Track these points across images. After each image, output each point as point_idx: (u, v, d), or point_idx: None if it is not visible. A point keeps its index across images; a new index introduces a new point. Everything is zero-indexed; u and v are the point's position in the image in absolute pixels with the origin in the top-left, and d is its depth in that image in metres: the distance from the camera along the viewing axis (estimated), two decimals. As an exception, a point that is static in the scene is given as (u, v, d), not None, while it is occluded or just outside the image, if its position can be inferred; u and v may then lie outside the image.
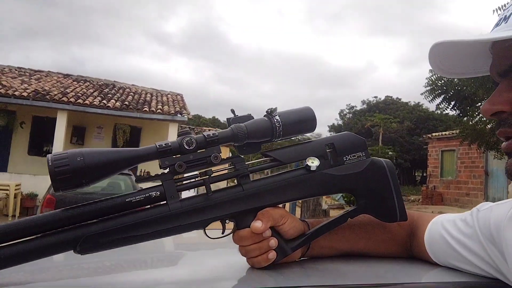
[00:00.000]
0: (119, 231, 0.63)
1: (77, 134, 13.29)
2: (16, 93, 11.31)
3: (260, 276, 0.66)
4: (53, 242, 0.61)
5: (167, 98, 14.87)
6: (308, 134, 0.82)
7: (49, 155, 0.61)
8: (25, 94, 11.39)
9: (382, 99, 40.62)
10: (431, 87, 7.95)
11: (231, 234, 0.70)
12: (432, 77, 7.73)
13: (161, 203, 0.67)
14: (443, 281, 0.67)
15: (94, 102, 11.99)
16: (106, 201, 0.64)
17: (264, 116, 0.73)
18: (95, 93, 13.12)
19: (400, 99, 38.24)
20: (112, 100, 12.50)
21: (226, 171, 0.72)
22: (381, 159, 0.80)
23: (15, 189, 10.00)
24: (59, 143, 11.54)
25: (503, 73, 0.59)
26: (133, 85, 16.25)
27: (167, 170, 0.67)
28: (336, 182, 0.75)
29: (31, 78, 13.62)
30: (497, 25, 0.58)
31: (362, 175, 0.76)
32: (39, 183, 10.46)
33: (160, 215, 0.65)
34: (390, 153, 22.91)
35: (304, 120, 0.74)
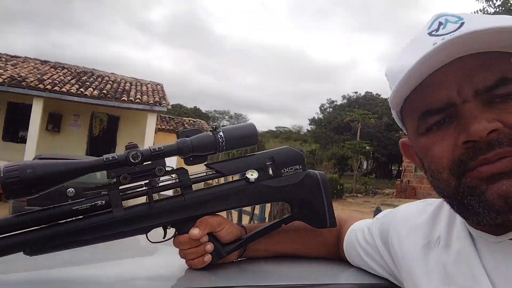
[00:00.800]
0: (65, 236, 0.70)
1: (53, 121, 13.08)
2: (-10, 78, 11.05)
3: (196, 276, 0.74)
4: (5, 244, 0.67)
5: (147, 88, 14.73)
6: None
7: (1, 167, 0.67)
8: (0, 80, 11.13)
9: (362, 94, 41.24)
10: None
11: (173, 239, 0.77)
12: None
13: (107, 210, 0.73)
14: (349, 283, 0.76)
15: (71, 90, 11.81)
16: (54, 209, 0.70)
17: (209, 131, 0.80)
18: (73, 81, 12.91)
19: (379, 95, 38.86)
20: (90, 88, 12.33)
21: (172, 181, 0.79)
22: (316, 171, 0.88)
23: (-12, 176, 9.80)
24: (34, 129, 11.37)
25: (485, 89, 0.53)
26: (112, 73, 16.03)
27: (114, 180, 0.73)
28: (273, 192, 0.82)
29: (7, 64, 13.28)
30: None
31: (298, 186, 0.84)
32: (13, 170, 10.30)
33: (105, 222, 0.72)
34: (367, 147, 23.31)
35: (246, 135, 0.81)
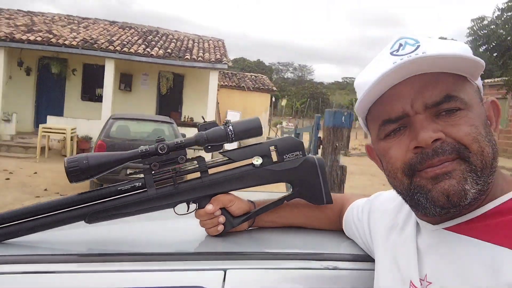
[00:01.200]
0: (113, 209, 0.93)
1: (124, 81, 13.94)
2: (66, 42, 11.93)
3: (212, 241, 0.95)
4: (72, 215, 0.92)
5: (209, 45, 15.03)
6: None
7: (65, 158, 0.90)
8: (74, 43, 11.99)
9: (435, 41, 38.41)
10: (473, 37, 7.52)
11: (193, 213, 0.98)
12: (474, 27, 7.29)
13: (143, 190, 0.95)
14: (340, 253, 0.91)
15: (139, 50, 12.41)
16: (105, 189, 0.93)
17: (222, 125, 0.98)
18: (140, 41, 13.52)
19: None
20: (156, 48, 12.87)
21: (192, 167, 0.98)
22: (314, 156, 1.03)
23: (71, 133, 10.88)
24: (108, 89, 12.23)
25: (432, 104, 0.61)
26: (176, 31, 16.49)
27: (148, 167, 0.94)
28: (276, 175, 0.99)
29: (80, 26, 14.20)
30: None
31: (298, 170, 1.00)
32: (92, 127, 11.31)
33: (141, 199, 0.94)
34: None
35: (251, 128, 0.98)
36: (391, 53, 0.66)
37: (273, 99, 29.09)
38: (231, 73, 18.88)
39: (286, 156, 1.00)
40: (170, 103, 14.46)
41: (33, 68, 13.28)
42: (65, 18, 15.33)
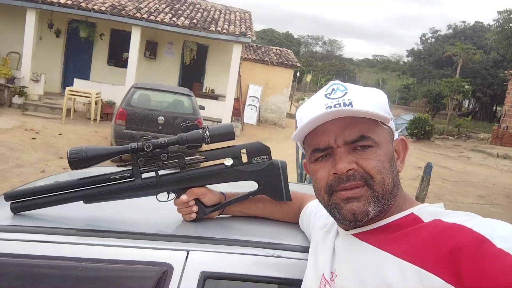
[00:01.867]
0: (106, 193, 1.13)
1: (150, 48, 14.15)
2: (95, 6, 12.13)
3: (187, 225, 1.15)
4: (73, 195, 1.14)
5: (235, 16, 15.00)
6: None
7: (68, 150, 1.10)
8: (103, 8, 12.19)
9: (471, 24, 36.89)
10: (499, 29, 7.29)
11: (172, 201, 1.17)
12: (500, 19, 7.07)
13: (131, 179, 1.15)
14: (291, 243, 1.09)
15: (165, 19, 12.53)
16: (100, 176, 1.14)
17: (200, 129, 1.16)
18: (167, 9, 13.61)
19: (491, 26, 34.50)
20: (182, 18, 12.96)
21: (173, 163, 1.17)
22: (278, 160, 1.20)
23: (96, 97, 11.25)
24: (133, 56, 12.46)
25: (350, 141, 0.79)
26: (204, 0, 16.47)
27: (136, 161, 1.14)
28: (243, 174, 1.17)
29: (110, -9, 14.36)
30: (339, 105, 0.79)
31: (263, 171, 1.18)
32: (116, 92, 11.63)
33: (129, 187, 1.14)
34: (466, 86, 21.41)
35: (224, 133, 1.15)
36: (325, 95, 0.84)
37: (298, 74, 28.90)
38: (256, 46, 18.83)
39: (254, 159, 1.18)
40: (193, 73, 14.65)
41: (62, 31, 13.61)
42: (95, -19, 15.49)
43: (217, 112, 12.45)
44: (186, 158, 1.18)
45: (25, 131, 8.84)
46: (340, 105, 0.80)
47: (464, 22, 38.95)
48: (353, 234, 0.84)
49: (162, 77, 13.46)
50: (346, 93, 0.82)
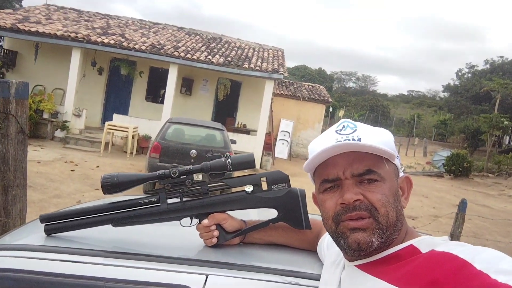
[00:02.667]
0: (133, 217, 1.19)
1: (186, 85, 14.68)
2: (136, 46, 12.82)
3: (207, 251, 1.18)
4: (103, 219, 1.20)
5: (268, 54, 15.39)
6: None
7: (102, 175, 1.18)
8: (143, 47, 12.86)
9: (509, 59, 36.08)
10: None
11: (195, 226, 1.22)
12: None
13: (157, 204, 1.20)
14: (312, 272, 1.10)
15: (201, 57, 13.04)
16: (128, 201, 1.20)
17: (223, 158, 1.21)
18: (203, 48, 14.19)
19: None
20: (217, 56, 13.44)
21: (197, 189, 1.22)
22: (297, 188, 1.23)
23: (133, 131, 11.69)
24: (170, 92, 12.97)
25: (357, 174, 0.84)
26: (238, 39, 17.06)
27: (162, 186, 1.20)
28: (264, 201, 1.21)
29: (150, 31, 15.17)
30: (349, 139, 0.85)
31: (282, 198, 1.21)
32: (153, 127, 12.04)
33: (155, 211, 1.19)
34: (505, 122, 20.71)
35: (246, 161, 1.20)
36: (336, 131, 0.90)
37: (330, 109, 28.91)
38: (288, 82, 19.14)
39: (273, 186, 1.21)
40: (226, 108, 15.00)
41: (105, 68, 14.40)
42: (137, 22, 16.44)
43: (249, 146, 12.59)
44: (209, 185, 1.22)
45: (64, 163, 9.24)
46: (349, 140, 0.85)
47: (502, 57, 38.22)
48: (356, 265, 0.87)
49: (197, 113, 13.85)
50: (355, 130, 0.88)
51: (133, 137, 11.75)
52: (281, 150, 16.26)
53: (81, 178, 8.10)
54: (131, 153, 11.65)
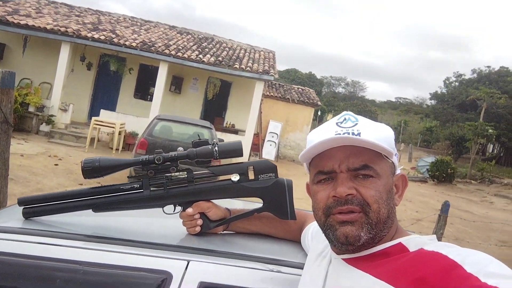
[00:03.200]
0: (115, 203, 1.17)
1: (175, 83, 14.59)
2: (126, 42, 12.71)
3: (190, 238, 1.17)
4: (83, 204, 1.18)
5: (259, 55, 15.40)
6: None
7: (83, 159, 1.16)
8: (134, 44, 12.75)
9: (495, 69, 36.72)
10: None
11: (178, 214, 1.20)
12: None
13: (140, 191, 1.19)
14: (292, 260, 1.10)
15: (192, 56, 12.99)
16: (110, 186, 1.18)
17: (210, 145, 1.20)
18: (194, 47, 14.13)
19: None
20: (208, 55, 13.40)
21: (182, 176, 1.21)
22: (284, 178, 1.22)
23: (120, 127, 11.56)
24: (159, 90, 12.87)
25: (353, 169, 0.83)
26: (230, 39, 17.04)
27: (146, 172, 1.18)
28: (249, 191, 1.20)
29: (141, 28, 15.05)
30: (349, 133, 0.83)
31: (269, 188, 1.20)
32: (140, 124, 11.92)
33: (138, 198, 1.17)
34: (490, 130, 21.05)
35: (233, 149, 1.19)
36: (337, 123, 0.88)
37: (319, 112, 29.03)
38: (278, 84, 19.16)
39: (260, 176, 1.20)
40: (215, 108, 14.95)
41: (93, 64, 14.24)
42: (129, 19, 16.30)
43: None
44: (194, 173, 1.21)
45: (48, 157, 9.11)
46: (349, 134, 0.84)
47: (489, 67, 38.86)
48: (343, 259, 0.87)
49: (185, 111, 13.77)
50: (356, 124, 0.87)
51: (119, 134, 11.63)
52: (268, 151, 16.26)
53: (65, 172, 7.99)
54: (117, 149, 11.52)
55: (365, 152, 0.83)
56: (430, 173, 18.57)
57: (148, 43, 13.07)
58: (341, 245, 0.84)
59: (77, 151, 10.61)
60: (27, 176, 7.11)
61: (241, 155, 1.21)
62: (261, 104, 14.16)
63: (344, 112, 0.91)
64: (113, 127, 11.40)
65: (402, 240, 0.83)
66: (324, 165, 0.86)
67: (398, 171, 0.91)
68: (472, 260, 0.69)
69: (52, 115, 12.26)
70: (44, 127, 12.14)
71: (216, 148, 1.18)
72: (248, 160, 13.03)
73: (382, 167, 0.85)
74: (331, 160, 0.85)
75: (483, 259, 0.70)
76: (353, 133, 0.84)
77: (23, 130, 11.78)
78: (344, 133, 0.84)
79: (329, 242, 0.90)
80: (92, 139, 11.49)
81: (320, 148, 0.85)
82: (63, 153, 9.81)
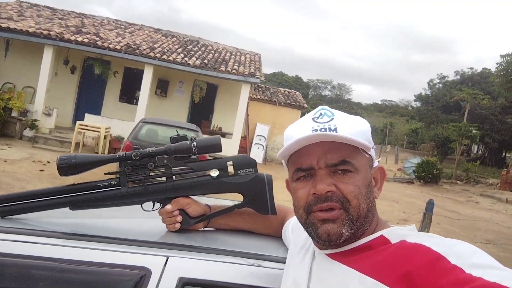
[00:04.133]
0: (92, 200, 1.15)
1: (161, 86, 14.51)
2: (111, 45, 12.60)
3: (171, 235, 1.15)
4: (60, 201, 1.15)
5: (245, 58, 15.41)
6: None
7: (58, 156, 1.13)
8: (118, 47, 12.64)
9: (478, 71, 37.38)
10: (503, 72, 7.36)
11: (157, 211, 1.18)
12: (503, 63, 7.14)
13: (117, 187, 1.16)
14: (272, 255, 1.09)
15: (177, 59, 12.93)
16: (87, 184, 1.16)
17: (188, 140, 1.18)
18: (179, 50, 14.07)
19: (495, 73, 34.69)
20: (193, 58, 13.36)
21: (160, 173, 1.19)
22: (264, 173, 1.21)
23: (105, 131, 11.45)
24: (145, 93, 12.78)
25: (331, 165, 0.82)
26: (215, 42, 17.03)
27: (123, 169, 1.16)
28: (229, 186, 1.18)
29: (126, 31, 14.95)
30: (325, 129, 0.82)
31: (249, 184, 1.19)
32: (126, 128, 11.80)
33: (115, 195, 1.15)
34: (474, 131, 21.37)
35: (211, 145, 1.18)
36: (313, 119, 0.87)
37: (306, 115, 29.22)
38: (265, 87, 19.20)
39: (240, 171, 1.19)
40: (201, 111, 14.89)
41: (77, 67, 14.07)
42: (113, 22, 16.18)
43: (224, 149, 12.50)
44: (173, 169, 1.19)
45: (32, 163, 8.95)
46: (325, 130, 0.83)
47: (471, 68, 39.49)
48: (326, 254, 0.87)
49: (172, 115, 13.69)
50: (332, 118, 0.85)
51: (105, 138, 11.51)
52: (256, 154, 16.24)
53: (49, 178, 7.86)
54: (103, 153, 11.39)
55: (342, 147, 0.82)
56: (416, 174, 18.77)
57: (133, 46, 12.98)
58: (324, 242, 0.84)
59: (62, 156, 10.45)
60: (10, 181, 6.97)
61: (220, 150, 1.19)
62: (248, 107, 14.16)
63: (320, 107, 0.90)
64: (98, 131, 11.27)
65: (384, 232, 0.83)
66: (303, 162, 0.85)
67: (375, 164, 0.91)
68: (456, 251, 0.69)
69: (35, 120, 12.07)
70: (27, 132, 11.95)
71: (195, 143, 1.17)
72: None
73: (359, 161, 0.84)
74: (309, 157, 0.84)
75: (467, 250, 0.70)
76: (329, 129, 0.83)
77: (6, 135, 11.58)
78: (321, 129, 0.83)
79: (311, 239, 0.89)
80: (77, 144, 11.34)
81: (298, 146, 0.84)
82: (47, 158, 9.65)
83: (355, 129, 0.85)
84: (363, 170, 0.85)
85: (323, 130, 0.83)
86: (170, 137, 1.20)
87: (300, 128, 0.86)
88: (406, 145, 39.30)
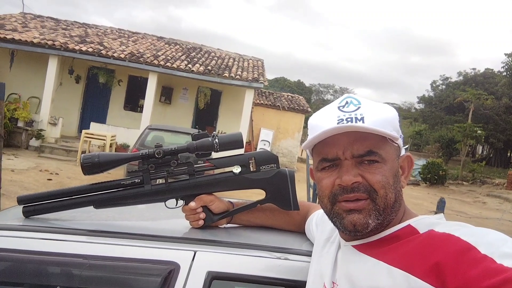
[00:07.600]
0: (116, 199, 1.16)
1: (165, 94, 14.56)
2: (115, 54, 12.68)
3: (194, 231, 1.16)
4: (84, 200, 1.16)
5: (248, 64, 15.46)
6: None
7: (82, 155, 1.14)
8: (122, 55, 12.72)
9: (481, 71, 37.29)
10: (509, 72, 7.30)
11: (181, 207, 1.19)
12: (508, 62, 7.08)
13: (141, 185, 1.17)
14: (293, 248, 1.09)
15: (181, 66, 12.99)
16: (111, 182, 1.16)
17: (210, 137, 1.19)
18: (183, 57, 14.14)
19: (501, 73, 34.62)
20: (197, 65, 13.42)
21: (183, 170, 1.20)
22: (286, 169, 1.22)
23: (111, 140, 11.48)
24: (149, 101, 12.83)
25: (358, 155, 0.81)
26: (218, 49, 17.09)
27: (146, 167, 1.16)
28: (251, 182, 1.19)
29: (129, 40, 15.04)
30: (352, 120, 0.80)
31: (271, 179, 1.19)
32: (131, 135, 11.85)
33: (139, 193, 1.16)
34: (478, 131, 21.28)
35: (233, 141, 1.19)
36: (338, 108, 0.85)
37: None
38: (268, 92, 19.23)
39: (262, 167, 1.20)
40: (206, 117, 14.93)
41: (82, 77, 14.16)
42: (116, 31, 16.28)
43: (228, 154, 12.52)
44: (195, 166, 1.20)
45: (39, 172, 8.99)
46: (351, 120, 0.80)
47: (474, 69, 39.30)
48: (353, 246, 0.86)
49: (176, 121, 13.73)
50: (359, 107, 0.83)
51: (110, 146, 11.54)
52: (261, 159, 16.25)
53: (57, 186, 7.89)
54: (109, 162, 11.41)
55: (369, 137, 0.80)
56: (422, 175, 18.70)
57: (137, 54, 13.06)
58: (349, 232, 0.83)
59: (68, 165, 10.50)
60: (18, 191, 7.00)
61: (242, 146, 1.20)
62: (252, 112, 14.18)
63: (346, 95, 0.88)
64: (104, 140, 11.31)
65: (411, 221, 0.82)
66: (328, 152, 0.83)
67: (403, 152, 0.89)
68: (486, 241, 0.68)
69: (41, 130, 12.14)
70: (33, 142, 12.00)
71: (217, 140, 1.17)
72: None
73: (387, 151, 0.82)
74: (335, 147, 0.82)
75: (498, 239, 0.69)
76: (356, 119, 0.80)
77: (13, 145, 11.64)
78: (347, 119, 0.80)
79: (337, 229, 0.89)
80: (83, 152, 11.34)
81: (323, 136, 0.83)
82: (54, 168, 9.70)
83: (382, 118, 0.82)
84: (390, 160, 0.83)
85: (349, 120, 0.80)
86: (192, 134, 1.21)
87: (325, 118, 0.84)
88: (410, 147, 39.17)
